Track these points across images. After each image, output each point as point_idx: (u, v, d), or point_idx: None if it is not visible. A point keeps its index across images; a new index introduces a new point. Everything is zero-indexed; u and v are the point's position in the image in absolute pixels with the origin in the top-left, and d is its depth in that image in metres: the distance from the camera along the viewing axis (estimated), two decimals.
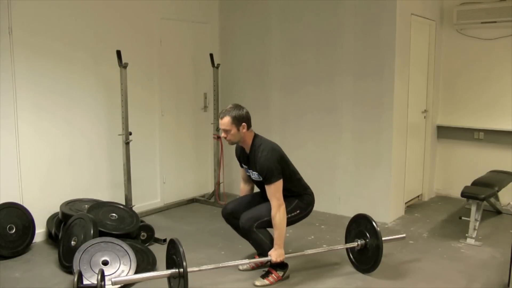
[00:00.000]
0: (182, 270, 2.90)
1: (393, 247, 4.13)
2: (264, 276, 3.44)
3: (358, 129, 4.90)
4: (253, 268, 3.66)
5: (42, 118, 4.21)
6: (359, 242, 3.56)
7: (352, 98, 4.90)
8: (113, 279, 2.89)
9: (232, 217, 3.57)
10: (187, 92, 5.56)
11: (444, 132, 5.71)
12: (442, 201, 5.64)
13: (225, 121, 3.29)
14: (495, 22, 5.13)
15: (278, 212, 3.26)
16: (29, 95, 4.09)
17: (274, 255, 3.29)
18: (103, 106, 4.66)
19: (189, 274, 3.60)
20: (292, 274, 3.56)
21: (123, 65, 4.30)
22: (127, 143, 4.39)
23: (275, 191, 3.27)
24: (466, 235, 4.26)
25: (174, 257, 3.02)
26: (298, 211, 3.50)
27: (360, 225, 3.63)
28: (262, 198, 3.48)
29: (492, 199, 4.91)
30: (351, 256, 3.71)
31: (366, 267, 3.56)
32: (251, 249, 3.82)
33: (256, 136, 3.41)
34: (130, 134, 4.40)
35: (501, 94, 5.27)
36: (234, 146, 3.60)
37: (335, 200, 5.11)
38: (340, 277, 3.55)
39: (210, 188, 5.77)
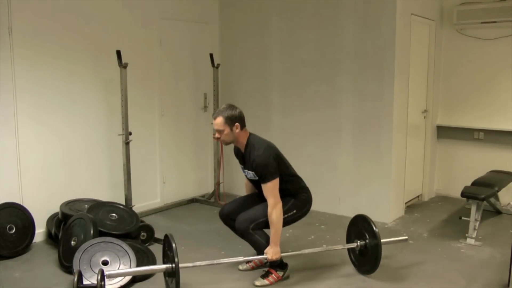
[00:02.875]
0: (174, 265, 2.90)
1: (393, 247, 4.13)
2: (264, 276, 3.44)
3: (358, 129, 4.90)
4: (253, 268, 3.66)
5: (42, 118, 4.21)
6: (358, 243, 3.55)
7: (352, 98, 4.90)
8: (107, 272, 2.88)
9: (229, 218, 3.56)
10: (187, 92, 5.56)
11: (444, 132, 5.70)
12: (442, 201, 5.64)
13: (218, 122, 3.29)
14: (495, 22, 5.13)
15: (275, 209, 3.23)
16: (29, 95, 4.09)
17: (270, 253, 3.27)
18: (103, 106, 4.66)
19: (188, 274, 3.61)
20: (292, 274, 3.56)
21: (123, 65, 4.30)
22: (127, 143, 4.39)
23: (271, 189, 3.25)
24: (466, 235, 4.26)
25: (168, 253, 3.02)
26: (294, 211, 3.47)
27: (359, 226, 3.61)
28: (260, 198, 3.46)
29: (492, 199, 4.91)
30: (352, 257, 3.70)
31: (366, 268, 3.55)
32: (251, 249, 3.82)
33: (251, 135, 3.40)
34: (130, 134, 4.40)
35: (501, 94, 5.26)
36: (232, 145, 3.59)
37: (335, 200, 5.11)
38: (340, 277, 3.55)
39: (210, 188, 5.77)
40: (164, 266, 3.04)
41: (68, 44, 4.33)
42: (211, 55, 5.37)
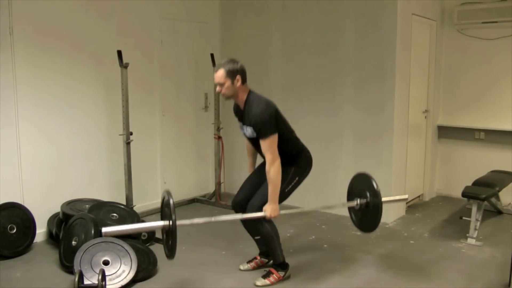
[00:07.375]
0: (171, 222, 2.82)
1: (393, 247, 4.13)
2: (265, 276, 3.44)
3: (359, 129, 4.90)
4: (253, 268, 3.66)
5: (43, 118, 4.21)
6: (358, 202, 3.41)
7: (352, 98, 4.90)
8: (103, 229, 2.78)
9: (242, 208, 3.47)
10: (188, 92, 5.56)
11: (445, 132, 5.70)
12: (443, 201, 5.64)
13: (219, 74, 3.24)
14: (495, 22, 5.13)
15: (273, 166, 3.18)
16: (30, 95, 4.09)
17: (269, 209, 3.19)
18: (104, 106, 4.66)
19: (188, 273, 3.61)
20: (293, 274, 3.56)
21: (124, 65, 4.30)
22: (128, 143, 4.40)
23: (269, 145, 3.18)
24: (467, 235, 4.25)
25: (166, 209, 2.94)
26: (297, 178, 3.40)
27: (360, 184, 3.49)
28: (264, 173, 3.35)
29: (493, 199, 4.90)
30: (352, 216, 3.57)
31: (366, 227, 3.46)
32: (252, 249, 3.82)
33: (251, 92, 3.34)
34: (131, 134, 4.40)
35: (501, 94, 5.26)
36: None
37: (335, 200, 5.09)
38: (340, 277, 3.55)
39: (211, 188, 5.77)
40: (162, 223, 2.92)
41: (69, 44, 4.33)
42: (212, 55, 5.37)
